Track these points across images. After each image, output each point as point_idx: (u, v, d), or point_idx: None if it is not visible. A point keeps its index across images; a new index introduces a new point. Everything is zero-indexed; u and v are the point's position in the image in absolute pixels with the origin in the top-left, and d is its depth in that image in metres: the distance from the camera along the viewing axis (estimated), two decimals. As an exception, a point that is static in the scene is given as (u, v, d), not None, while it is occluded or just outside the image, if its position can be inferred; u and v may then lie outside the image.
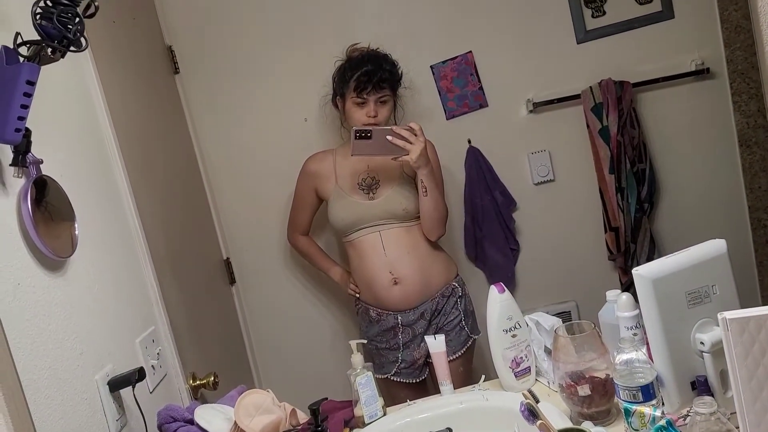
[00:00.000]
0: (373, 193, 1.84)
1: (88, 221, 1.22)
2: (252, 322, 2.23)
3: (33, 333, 1.00)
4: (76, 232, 1.13)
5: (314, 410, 1.16)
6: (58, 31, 0.96)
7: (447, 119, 2.18)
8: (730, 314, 0.84)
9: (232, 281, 2.17)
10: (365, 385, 1.42)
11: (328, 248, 2.12)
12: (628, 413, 1.06)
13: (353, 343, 1.44)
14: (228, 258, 2.17)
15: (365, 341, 1.73)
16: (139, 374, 1.19)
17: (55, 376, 1.03)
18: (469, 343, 1.88)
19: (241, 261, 2.20)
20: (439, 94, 2.16)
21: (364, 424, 1.39)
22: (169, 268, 1.62)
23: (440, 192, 1.84)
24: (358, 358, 1.43)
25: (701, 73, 2.07)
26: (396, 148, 1.70)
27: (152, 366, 1.35)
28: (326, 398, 1.22)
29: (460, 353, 1.87)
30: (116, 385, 1.16)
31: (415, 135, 1.69)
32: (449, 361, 1.82)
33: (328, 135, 2.11)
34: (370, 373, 1.43)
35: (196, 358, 1.64)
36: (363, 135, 1.69)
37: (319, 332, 2.23)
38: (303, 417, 1.36)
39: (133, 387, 1.17)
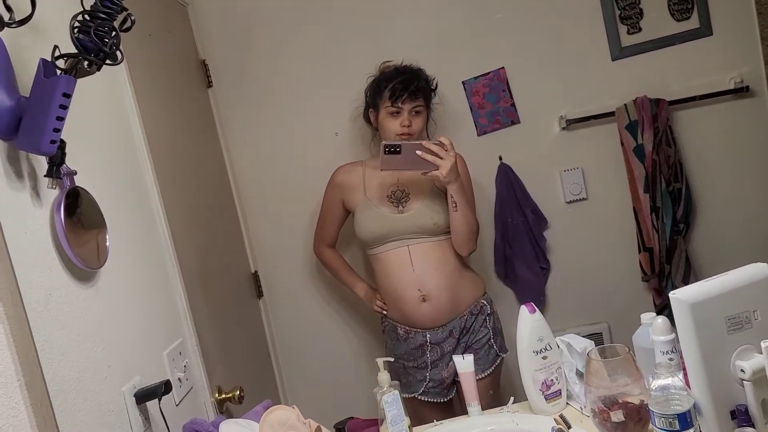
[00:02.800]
0: (403, 206, 1.82)
1: (120, 233, 1.23)
2: (278, 336, 2.22)
3: (62, 343, 1.00)
4: (108, 244, 1.14)
5: (340, 429, 1.14)
6: (95, 45, 0.98)
7: (478, 135, 2.16)
8: (774, 342, 0.80)
9: (260, 295, 2.18)
10: (392, 404, 1.40)
11: (354, 263, 2.11)
12: (664, 444, 1.02)
13: (380, 360, 1.42)
14: (256, 271, 2.18)
15: (392, 359, 1.71)
16: (166, 387, 1.18)
17: (83, 387, 1.03)
18: (498, 361, 1.84)
19: (268, 275, 2.20)
20: (471, 110, 2.15)
21: (390, 444, 1.37)
22: (198, 280, 1.62)
23: (471, 207, 1.82)
24: (385, 376, 1.41)
25: (740, 91, 2.02)
26: (426, 163, 1.68)
27: (179, 379, 1.35)
28: (352, 417, 1.21)
29: (489, 371, 1.83)
30: (143, 397, 1.16)
31: (446, 150, 1.67)
32: (478, 380, 1.79)
33: (358, 149, 2.11)
34: (396, 392, 1.41)
35: (223, 372, 1.63)
36: (392, 150, 1.68)
37: (345, 348, 2.22)
38: (328, 434, 1.35)
39: (159, 400, 1.17)
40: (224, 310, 1.82)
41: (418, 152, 1.68)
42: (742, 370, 1.02)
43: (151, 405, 1.20)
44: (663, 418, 1.05)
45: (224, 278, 1.91)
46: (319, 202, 1.99)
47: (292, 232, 2.17)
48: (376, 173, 1.85)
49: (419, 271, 1.79)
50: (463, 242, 1.79)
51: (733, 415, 1.05)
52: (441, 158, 1.67)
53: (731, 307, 1.05)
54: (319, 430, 1.34)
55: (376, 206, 1.82)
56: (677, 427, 1.04)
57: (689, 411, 1.04)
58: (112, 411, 1.11)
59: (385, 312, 1.88)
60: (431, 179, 1.80)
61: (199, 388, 1.46)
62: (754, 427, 1.03)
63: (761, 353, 1.00)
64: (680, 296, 1.05)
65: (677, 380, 1.10)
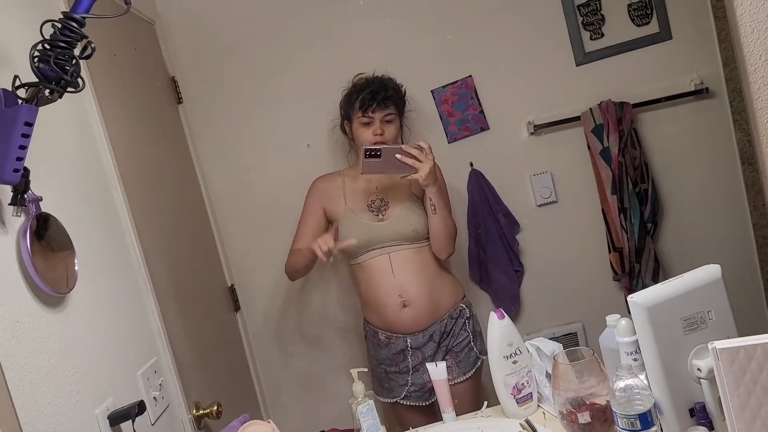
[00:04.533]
0: (383, 214, 1.85)
1: (89, 255, 1.23)
2: (257, 348, 2.23)
3: (31, 370, 1.01)
4: (76, 267, 1.15)
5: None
6: (55, 74, 0.99)
7: (449, 143, 2.19)
8: (720, 344, 0.84)
9: (237, 308, 2.18)
10: (367, 414, 1.42)
11: (341, 270, 2.12)
12: (626, 443, 1.05)
13: (354, 371, 1.44)
14: (232, 285, 2.19)
15: (366, 369, 1.73)
16: (139, 408, 1.19)
17: (55, 413, 1.04)
18: (479, 363, 1.88)
19: (245, 288, 2.21)
20: (441, 119, 2.18)
21: (366, 454, 1.39)
22: (173, 297, 1.63)
23: (448, 210, 1.86)
24: (359, 387, 1.43)
25: (701, 93, 2.07)
26: (405, 167, 1.72)
27: (154, 397, 1.36)
28: (323, 431, 1.22)
29: (470, 374, 1.87)
30: (116, 419, 1.17)
31: (425, 153, 1.71)
32: (460, 382, 1.83)
33: (331, 161, 2.13)
34: (371, 402, 1.43)
35: (200, 387, 1.64)
36: (372, 153, 1.72)
37: (324, 359, 2.23)
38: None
39: (133, 421, 1.18)
40: (200, 326, 1.83)
41: (398, 156, 1.71)
42: (698, 369, 1.06)
43: (126, 426, 1.21)
44: (625, 419, 1.09)
45: (200, 293, 1.92)
46: (295, 214, 2.00)
47: (267, 244, 2.18)
48: (355, 183, 1.87)
49: (399, 277, 1.82)
50: (442, 245, 1.84)
51: (692, 412, 1.08)
52: (420, 161, 1.71)
53: (686, 309, 1.08)
54: (296, 443, 1.36)
55: (357, 215, 1.85)
56: (639, 427, 1.07)
57: (650, 411, 1.08)
58: (85, 434, 1.12)
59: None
60: (409, 186, 1.84)
61: (176, 406, 1.47)
62: (712, 423, 1.06)
63: (716, 353, 1.03)
64: (637, 300, 1.08)
65: (640, 380, 1.14)
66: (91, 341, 1.19)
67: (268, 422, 1.33)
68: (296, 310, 2.23)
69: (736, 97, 2.02)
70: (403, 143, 1.92)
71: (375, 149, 1.72)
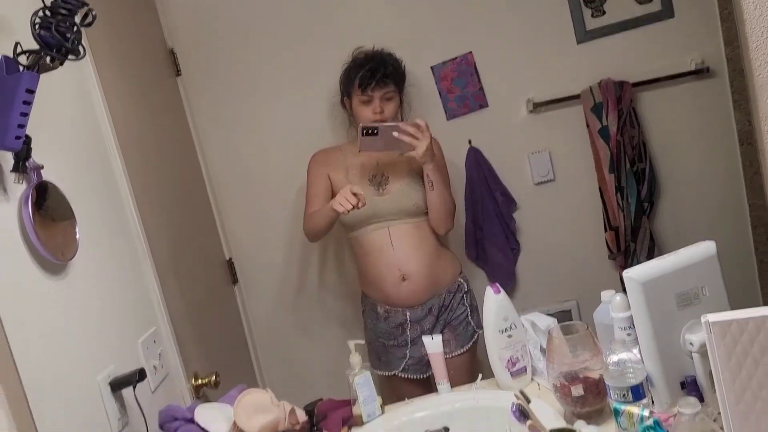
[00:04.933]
0: (383, 189, 1.87)
1: (90, 224, 1.24)
2: (254, 321, 2.25)
3: (34, 336, 1.02)
4: (77, 236, 1.16)
5: (309, 411, 1.17)
6: (56, 41, 0.99)
7: (447, 120, 2.19)
8: (713, 317, 0.85)
9: (235, 281, 2.20)
10: (363, 385, 1.44)
11: (339, 244, 2.13)
12: (617, 413, 1.07)
13: (351, 343, 1.46)
14: (230, 258, 2.20)
15: (363, 342, 1.75)
16: (140, 375, 1.21)
17: (57, 378, 1.06)
18: (475, 337, 1.91)
19: (243, 261, 2.22)
20: (440, 95, 2.17)
21: (362, 423, 1.42)
22: (171, 269, 1.64)
23: (446, 186, 1.88)
24: (356, 359, 1.45)
25: (701, 72, 2.07)
26: (403, 144, 1.74)
27: (154, 366, 1.38)
28: (321, 399, 1.24)
29: (467, 347, 1.90)
30: (117, 385, 1.18)
31: (422, 131, 1.72)
32: (457, 356, 1.86)
33: (332, 136, 2.12)
34: (368, 373, 1.46)
35: (198, 358, 1.66)
36: (369, 132, 1.73)
37: (322, 332, 2.26)
38: (302, 416, 1.38)
39: (134, 387, 1.19)
40: (199, 298, 1.84)
41: (395, 134, 1.73)
42: (690, 344, 1.08)
43: (127, 393, 1.23)
44: (618, 391, 1.11)
45: (198, 266, 1.93)
46: (293, 187, 2.00)
47: (266, 218, 2.19)
48: (355, 158, 1.88)
49: (399, 251, 1.85)
50: (440, 220, 1.86)
51: (683, 385, 1.10)
52: (417, 139, 1.72)
53: (681, 285, 1.10)
54: (293, 412, 1.38)
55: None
56: (631, 399, 1.09)
57: (642, 383, 1.10)
58: (87, 400, 1.13)
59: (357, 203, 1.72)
60: (409, 162, 1.85)
61: (175, 375, 1.49)
62: (702, 396, 1.09)
63: (709, 327, 1.05)
64: (632, 275, 1.10)
65: (633, 354, 1.16)
66: (92, 309, 1.20)
67: (267, 390, 1.35)
68: (294, 283, 2.25)
69: (736, 77, 2.02)
70: (402, 119, 1.92)
71: (372, 127, 1.73)
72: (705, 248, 1.11)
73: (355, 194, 1.69)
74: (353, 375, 1.44)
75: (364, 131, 1.73)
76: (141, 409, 1.20)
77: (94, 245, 1.25)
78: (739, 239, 2.14)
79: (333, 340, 2.22)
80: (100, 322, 1.22)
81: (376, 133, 1.73)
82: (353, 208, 1.69)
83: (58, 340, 1.08)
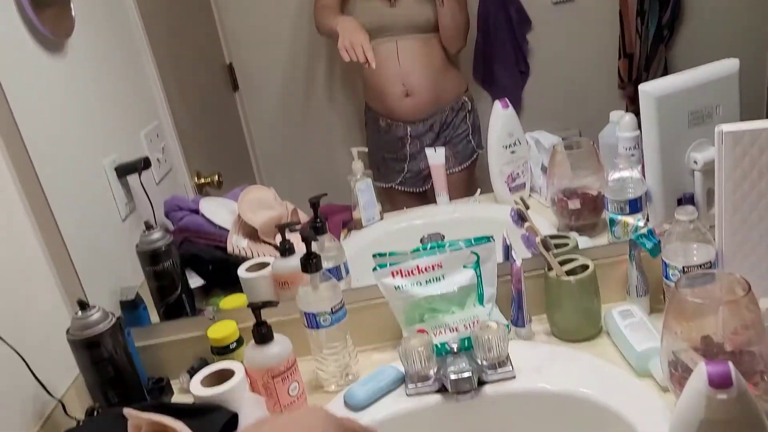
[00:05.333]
0: (395, 2, 1.78)
1: (85, 6, 1.17)
2: (256, 128, 2.23)
3: (39, 114, 1.01)
4: (73, 13, 1.10)
5: (314, 203, 1.20)
6: None
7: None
8: (726, 127, 0.85)
9: (236, 87, 2.15)
10: (364, 191, 1.47)
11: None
12: (612, 223, 1.10)
13: (354, 150, 1.47)
14: (231, 63, 2.13)
15: (366, 149, 1.76)
16: (145, 163, 1.22)
17: (64, 156, 1.07)
18: (474, 156, 1.92)
19: (244, 67, 2.15)
20: None
21: (361, 227, 1.47)
22: (171, 68, 1.59)
23: (459, 2, 1.78)
24: (358, 165, 1.47)
25: None
26: None
27: (157, 159, 1.39)
28: (326, 194, 1.27)
29: (466, 165, 1.92)
30: (123, 171, 1.20)
31: None
32: (456, 173, 1.89)
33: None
34: (369, 180, 1.48)
35: (201, 158, 1.67)
36: None
37: (324, 140, 2.24)
38: (304, 217, 1.43)
39: (140, 174, 1.21)
40: (199, 100, 1.81)
41: None
42: (695, 162, 1.09)
43: (133, 181, 1.25)
44: (615, 203, 1.14)
45: (198, 68, 1.88)
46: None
47: (268, 21, 2.09)
48: None
49: (405, 66, 1.80)
50: (451, 38, 1.79)
51: (680, 202, 1.13)
52: None
53: (696, 102, 1.08)
54: (296, 213, 1.42)
55: (371, 2, 1.77)
56: (627, 211, 1.12)
57: (640, 197, 1.12)
58: (94, 181, 1.15)
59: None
60: None
61: (178, 171, 1.51)
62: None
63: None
64: (648, 89, 1.08)
65: (635, 173, 1.17)
66: (93, 93, 1.18)
67: (270, 188, 1.38)
68: (297, 90, 2.20)
69: None
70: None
71: None
72: (727, 66, 1.08)
73: (366, 56, 1.64)
74: (355, 180, 1.46)
75: None
76: (147, 195, 1.23)
77: (92, 30, 1.19)
78: (756, 74, 2.09)
79: (335, 148, 2.22)
80: (102, 108, 1.21)
81: None
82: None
83: (62, 119, 1.08)
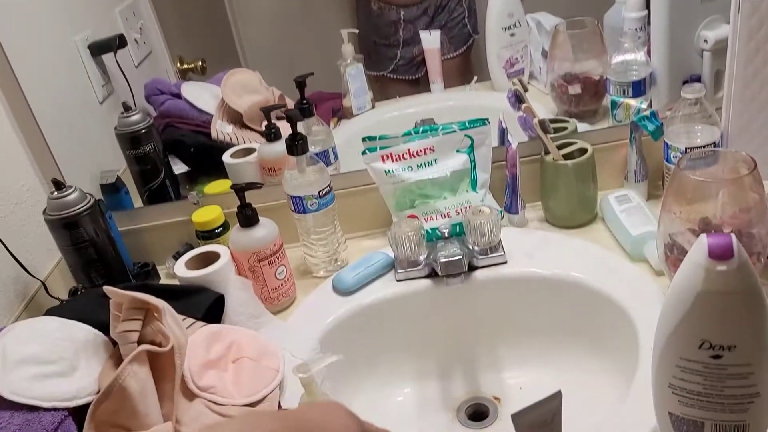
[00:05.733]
0: None
1: None
2: (240, 10, 2.11)
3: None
4: None
5: (300, 83, 1.14)
6: None
7: None
8: (746, -9, 0.78)
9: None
10: (355, 77, 1.41)
11: None
12: (614, 105, 1.06)
13: (344, 32, 1.39)
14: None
15: (357, 30, 1.67)
16: (120, 41, 1.15)
17: (29, 27, 0.99)
18: (470, 41, 1.84)
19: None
20: None
21: (352, 115, 1.41)
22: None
23: None
24: (348, 48, 1.40)
25: None
26: None
27: (135, 40, 1.30)
28: (312, 73, 1.21)
29: (461, 51, 1.83)
30: (97, 49, 1.12)
31: None
32: (451, 58, 1.81)
33: None
34: (360, 65, 1.41)
35: (183, 43, 1.58)
36: None
37: (312, 23, 2.13)
38: (291, 105, 1.37)
39: (115, 53, 1.14)
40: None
41: None
42: (705, 41, 1.02)
43: (109, 62, 1.18)
44: (618, 86, 1.08)
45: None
46: None
47: None
48: None
49: None
50: None
51: (686, 83, 1.07)
52: None
53: (711, -26, 1.00)
54: (283, 98, 1.36)
55: None
56: (630, 94, 1.07)
57: (645, 79, 1.07)
58: (66, 60, 1.08)
59: None
60: None
61: (159, 54, 1.42)
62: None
63: (728, 23, 0.98)
64: (661, -41, 0.99)
65: (640, 55, 1.10)
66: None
67: (255, 72, 1.31)
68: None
69: None
70: None
71: None
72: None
73: None
74: (345, 65, 1.39)
75: None
76: (125, 75, 1.16)
77: None
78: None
79: (325, 34, 2.11)
80: (71, -21, 1.12)
81: None
82: None
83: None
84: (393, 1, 1.76)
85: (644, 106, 1.02)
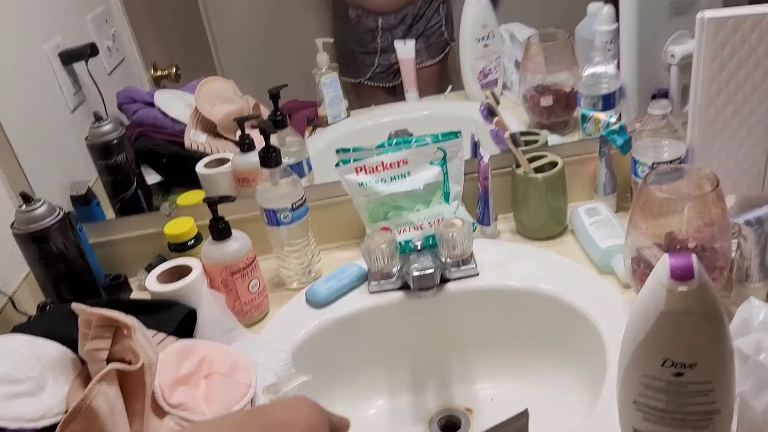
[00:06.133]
0: None
1: None
2: (215, 17, 2.10)
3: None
4: None
5: (274, 95, 1.14)
6: None
7: None
8: (709, 13, 0.80)
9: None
10: (330, 86, 1.41)
11: None
12: (584, 119, 1.07)
13: (319, 41, 1.39)
14: (189, -54, 1.97)
15: (332, 39, 1.68)
16: (92, 50, 1.13)
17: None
18: (447, 49, 1.85)
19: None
20: None
21: (327, 124, 1.41)
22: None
23: None
24: (324, 58, 1.40)
25: None
26: None
27: (108, 48, 1.29)
28: (286, 84, 1.21)
29: (438, 59, 1.84)
30: (68, 57, 1.11)
31: None
32: (428, 66, 1.82)
33: None
34: (335, 74, 1.41)
35: (157, 50, 1.57)
36: None
37: (288, 31, 2.13)
38: (267, 113, 1.36)
39: (86, 62, 1.12)
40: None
41: None
42: (672, 55, 1.04)
43: (81, 70, 1.16)
44: (588, 99, 1.10)
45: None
46: None
47: None
48: None
49: None
50: None
51: (654, 98, 1.09)
52: None
53: (679, -10, 1.02)
54: (257, 107, 1.36)
55: None
56: (600, 108, 1.09)
57: (614, 93, 1.08)
58: (37, 69, 1.07)
59: None
60: None
61: (133, 62, 1.41)
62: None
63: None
64: (630, -25, 1.01)
65: (610, 68, 1.12)
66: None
67: (229, 81, 1.31)
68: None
69: None
70: None
71: None
72: (714, -49, 1.01)
73: None
74: (320, 74, 1.39)
75: None
76: (96, 85, 1.15)
77: None
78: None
79: (301, 42, 2.10)
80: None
81: None
82: None
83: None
84: (371, 9, 1.76)
85: (613, 119, 1.03)
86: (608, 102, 1.08)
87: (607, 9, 1.19)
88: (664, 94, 1.06)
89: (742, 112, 0.83)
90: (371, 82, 1.87)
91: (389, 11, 1.76)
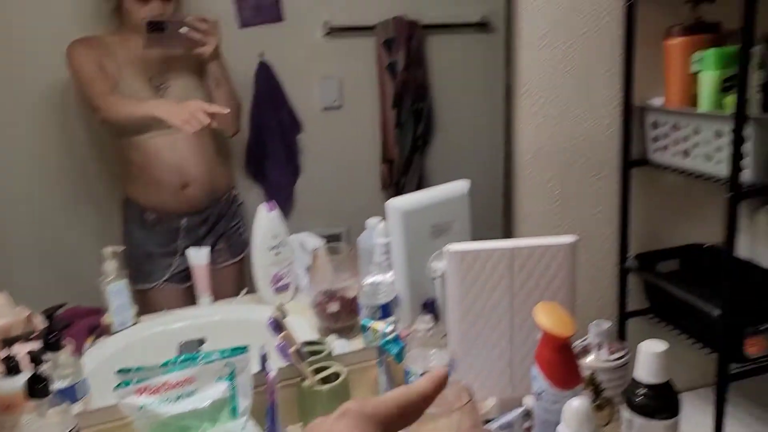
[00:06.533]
0: (164, 92, 1.74)
1: None
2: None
3: None
4: None
5: (49, 315, 1.08)
6: None
7: (239, 28, 2.08)
8: (453, 247, 0.95)
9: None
10: (117, 293, 1.38)
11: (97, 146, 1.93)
12: (365, 328, 1.16)
13: (107, 250, 1.37)
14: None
15: (122, 248, 1.66)
16: None
17: None
18: (245, 251, 1.91)
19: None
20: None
21: (111, 332, 1.35)
22: None
23: (231, 83, 1.82)
24: (111, 265, 1.37)
25: (485, 26, 2.23)
26: (190, 42, 1.65)
27: None
28: (65, 303, 1.16)
29: (238, 258, 1.89)
30: None
31: (213, 28, 1.65)
32: (229, 265, 1.85)
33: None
34: (123, 281, 1.39)
35: None
36: (157, 28, 1.61)
37: (72, 238, 2.05)
38: (40, 322, 1.28)
39: None
40: None
41: (184, 29, 1.63)
42: (434, 270, 1.20)
43: None
44: (369, 308, 1.20)
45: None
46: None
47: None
48: (125, 53, 1.70)
49: (182, 157, 1.76)
50: (229, 120, 1.81)
51: (425, 306, 1.23)
52: (207, 36, 1.65)
53: (436, 216, 1.21)
54: (31, 318, 1.27)
55: (137, 92, 1.70)
56: (380, 316, 1.19)
57: (390, 302, 1.20)
58: None
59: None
60: (188, 60, 1.74)
61: None
62: (439, 316, 1.22)
63: (452, 256, 1.17)
64: (395, 204, 1.18)
65: (387, 278, 1.25)
66: None
67: (1, 293, 1.22)
68: (42, 186, 2.00)
69: (510, 35, 2.21)
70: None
71: (160, 23, 1.61)
72: (460, 186, 1.23)
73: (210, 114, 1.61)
74: (107, 282, 1.36)
75: (150, 27, 1.60)
76: None
77: None
78: (493, 180, 2.40)
79: (85, 249, 2.04)
80: None
81: (163, 29, 1.62)
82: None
83: None
84: (175, 210, 1.79)
85: (389, 329, 1.13)
86: (386, 311, 1.18)
87: (382, 225, 1.36)
88: (431, 304, 1.20)
89: (487, 327, 0.97)
90: (167, 285, 1.84)
91: (194, 212, 1.81)
